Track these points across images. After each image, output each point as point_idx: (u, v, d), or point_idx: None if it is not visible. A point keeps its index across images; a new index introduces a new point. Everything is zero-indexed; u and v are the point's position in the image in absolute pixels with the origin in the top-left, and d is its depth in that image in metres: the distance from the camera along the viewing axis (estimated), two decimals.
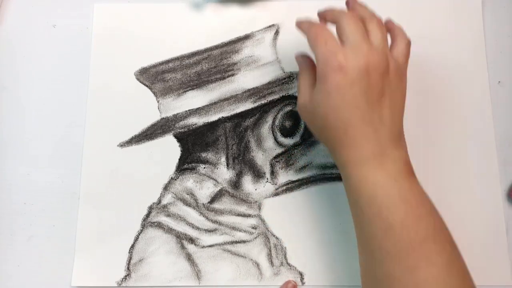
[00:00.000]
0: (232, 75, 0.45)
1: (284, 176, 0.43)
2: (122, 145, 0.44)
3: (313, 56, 0.35)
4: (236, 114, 0.44)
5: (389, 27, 0.38)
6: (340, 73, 0.32)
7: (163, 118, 0.44)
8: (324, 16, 0.37)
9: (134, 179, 0.43)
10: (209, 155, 0.44)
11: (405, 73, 0.36)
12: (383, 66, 0.33)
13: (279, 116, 0.44)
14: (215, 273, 0.41)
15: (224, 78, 0.45)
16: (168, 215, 0.42)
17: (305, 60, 0.38)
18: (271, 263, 0.41)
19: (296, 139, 0.44)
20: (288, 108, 0.44)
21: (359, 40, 0.33)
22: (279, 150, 0.44)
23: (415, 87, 0.45)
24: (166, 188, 0.43)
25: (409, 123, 0.44)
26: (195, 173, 0.43)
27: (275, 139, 0.44)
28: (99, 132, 0.44)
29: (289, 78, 0.45)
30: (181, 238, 0.42)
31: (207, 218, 0.42)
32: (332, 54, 0.33)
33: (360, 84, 0.32)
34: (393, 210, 0.32)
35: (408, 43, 0.36)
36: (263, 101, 0.44)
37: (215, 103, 0.44)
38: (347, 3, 0.38)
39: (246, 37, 0.46)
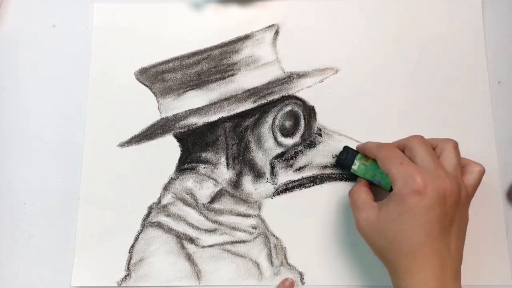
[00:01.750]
0: (232, 75, 0.45)
1: (284, 176, 0.43)
2: (122, 145, 0.44)
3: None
4: (236, 114, 0.44)
5: (465, 163, 0.38)
6: (418, 195, 0.32)
7: (163, 118, 0.44)
8: (393, 144, 0.38)
9: (134, 179, 0.43)
10: (209, 155, 0.44)
11: (469, 204, 0.36)
12: (458, 194, 0.33)
13: (279, 116, 0.44)
14: (215, 273, 0.41)
15: (224, 78, 0.45)
16: (168, 215, 0.42)
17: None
18: (271, 263, 0.41)
19: (296, 139, 0.44)
20: (288, 108, 0.44)
21: (435, 165, 0.34)
22: (279, 150, 0.44)
23: (415, 87, 0.45)
24: (166, 188, 0.43)
25: (409, 123, 0.44)
26: (195, 173, 0.43)
27: (275, 139, 0.44)
28: (99, 132, 0.44)
29: (289, 78, 0.45)
30: (181, 238, 0.42)
31: (207, 218, 0.42)
32: (411, 175, 0.33)
33: (436, 210, 0.32)
34: None
35: (482, 172, 0.37)
36: (263, 101, 0.44)
37: (215, 103, 0.44)
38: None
39: (246, 37, 0.46)
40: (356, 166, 0.40)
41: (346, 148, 0.42)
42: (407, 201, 0.32)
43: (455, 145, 0.36)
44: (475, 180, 0.36)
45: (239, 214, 0.42)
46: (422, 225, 0.32)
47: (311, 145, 0.43)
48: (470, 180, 0.36)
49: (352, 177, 0.43)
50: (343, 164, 0.41)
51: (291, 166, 0.43)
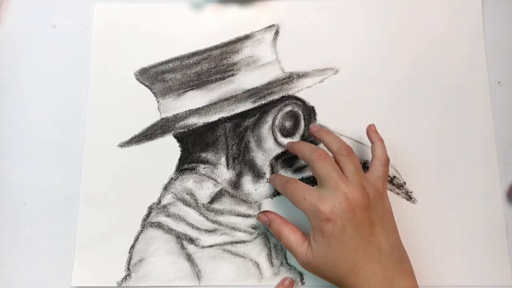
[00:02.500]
0: (232, 75, 0.45)
1: None
2: (122, 145, 0.44)
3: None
4: (236, 114, 0.44)
5: (370, 138, 0.40)
6: (328, 222, 0.34)
7: (163, 118, 0.44)
8: (294, 151, 0.39)
9: (134, 179, 0.43)
10: (209, 155, 0.44)
11: (384, 194, 0.37)
12: (364, 199, 0.34)
13: (279, 116, 0.44)
14: (215, 273, 0.41)
15: (224, 78, 0.45)
16: (168, 215, 0.42)
17: (276, 219, 0.39)
18: (271, 263, 0.41)
19: (296, 139, 0.44)
20: (288, 108, 0.44)
21: (335, 182, 0.35)
22: (279, 150, 0.44)
23: (415, 87, 0.45)
24: (166, 188, 0.43)
25: (409, 123, 0.44)
26: (195, 173, 0.43)
27: (275, 139, 0.44)
28: (99, 132, 0.44)
29: (289, 78, 0.45)
30: (181, 238, 0.42)
31: (207, 218, 0.42)
32: (315, 208, 0.34)
33: (351, 226, 0.34)
34: None
35: (385, 162, 0.38)
36: (263, 101, 0.44)
37: (215, 103, 0.44)
38: (312, 134, 0.40)
39: (246, 37, 0.46)
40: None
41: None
42: (324, 230, 0.34)
43: (348, 150, 0.37)
44: (379, 173, 0.37)
45: (239, 214, 0.42)
46: (347, 245, 0.34)
47: None
48: (375, 176, 0.37)
49: None
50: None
51: (291, 166, 0.43)
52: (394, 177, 0.43)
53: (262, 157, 0.43)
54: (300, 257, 0.36)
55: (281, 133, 0.44)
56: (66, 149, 0.44)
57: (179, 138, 0.44)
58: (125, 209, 0.43)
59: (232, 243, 0.42)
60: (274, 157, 0.43)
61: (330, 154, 0.38)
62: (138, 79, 0.45)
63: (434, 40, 0.46)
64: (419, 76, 0.45)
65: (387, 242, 0.35)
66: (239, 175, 0.43)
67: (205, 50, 0.45)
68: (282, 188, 0.38)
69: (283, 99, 0.44)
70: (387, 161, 0.38)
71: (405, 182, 0.43)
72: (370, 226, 0.34)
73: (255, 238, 0.42)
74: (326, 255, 0.35)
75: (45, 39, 0.46)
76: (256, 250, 0.42)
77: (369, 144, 0.43)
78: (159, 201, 0.43)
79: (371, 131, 0.40)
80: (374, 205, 0.35)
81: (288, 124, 0.44)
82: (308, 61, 0.45)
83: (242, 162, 0.43)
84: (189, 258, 0.42)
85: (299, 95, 0.44)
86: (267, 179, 0.43)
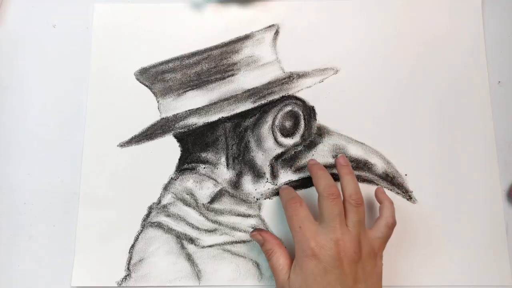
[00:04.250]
0: (232, 75, 0.45)
1: (284, 176, 0.43)
2: (122, 145, 0.44)
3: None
4: (236, 114, 0.44)
5: (379, 199, 0.39)
6: (313, 259, 0.34)
7: (163, 118, 0.44)
8: (311, 173, 0.39)
9: (134, 179, 0.43)
10: (209, 155, 0.44)
11: (379, 256, 0.37)
12: (355, 254, 0.34)
13: (279, 116, 0.44)
14: (215, 273, 0.41)
15: (224, 78, 0.45)
16: (168, 215, 0.42)
17: (270, 240, 0.39)
18: None
19: (296, 139, 0.44)
20: (288, 108, 0.44)
21: (334, 226, 0.35)
22: (279, 150, 0.44)
23: (415, 87, 0.45)
24: (166, 188, 0.43)
25: (409, 123, 0.44)
26: (195, 173, 0.43)
27: (275, 139, 0.44)
28: (99, 132, 0.44)
29: (289, 78, 0.45)
30: (181, 238, 0.42)
31: (207, 218, 0.42)
32: (306, 241, 0.34)
33: (333, 272, 0.33)
34: None
35: (390, 225, 0.37)
36: (263, 101, 0.44)
37: (215, 103, 0.44)
38: (335, 164, 0.40)
39: (246, 37, 0.46)
40: None
41: None
42: (306, 266, 0.34)
43: (358, 199, 0.37)
44: (382, 234, 0.37)
45: (239, 214, 0.42)
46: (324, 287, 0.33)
47: (311, 145, 0.43)
48: (376, 235, 0.37)
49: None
50: None
51: (291, 166, 0.43)
52: (394, 176, 0.43)
53: (262, 157, 0.43)
54: (278, 282, 0.36)
55: (281, 133, 0.44)
56: (66, 149, 0.44)
57: (179, 138, 0.44)
58: (125, 209, 0.42)
59: (232, 243, 0.42)
60: (274, 157, 0.43)
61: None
62: (138, 79, 0.45)
63: (434, 40, 0.46)
64: (419, 76, 0.45)
65: None
66: (239, 175, 0.43)
67: (205, 50, 0.45)
68: (285, 204, 0.38)
69: (283, 99, 0.44)
70: (393, 224, 0.38)
71: (404, 182, 0.43)
72: (354, 281, 0.34)
73: None
74: None
75: (45, 39, 0.46)
76: (256, 250, 0.42)
77: (370, 144, 0.43)
78: (159, 201, 0.43)
79: (379, 192, 0.40)
80: (364, 262, 0.35)
81: (288, 124, 0.44)
82: (308, 61, 0.45)
83: (242, 162, 0.43)
84: (189, 258, 0.42)
85: (299, 95, 0.44)
86: (267, 179, 0.43)
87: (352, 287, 0.34)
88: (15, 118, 0.45)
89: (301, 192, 0.43)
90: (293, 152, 0.43)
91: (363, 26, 0.46)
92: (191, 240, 0.42)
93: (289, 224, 0.37)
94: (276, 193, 0.43)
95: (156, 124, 0.44)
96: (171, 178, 0.43)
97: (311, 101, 0.44)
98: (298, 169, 0.43)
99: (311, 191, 0.43)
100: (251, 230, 0.42)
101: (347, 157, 0.43)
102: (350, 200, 0.37)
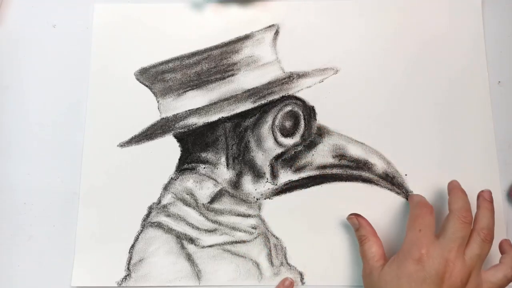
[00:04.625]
0: (232, 75, 0.45)
1: (284, 176, 0.43)
2: (122, 145, 0.44)
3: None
4: (236, 114, 0.44)
5: (503, 250, 0.38)
6: (417, 264, 0.33)
7: (163, 118, 0.44)
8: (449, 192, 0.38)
9: (134, 179, 0.43)
10: (209, 155, 0.44)
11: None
12: (461, 282, 0.33)
13: (279, 116, 0.44)
14: (215, 273, 0.41)
15: (224, 78, 0.45)
16: (168, 215, 0.42)
17: (366, 226, 0.39)
18: (271, 263, 0.41)
19: (296, 139, 0.44)
20: (288, 108, 0.44)
21: (453, 245, 0.34)
22: (279, 150, 0.44)
23: (415, 87, 0.45)
24: (166, 188, 0.43)
25: (409, 123, 0.44)
26: (195, 173, 0.43)
27: (275, 139, 0.44)
28: (99, 132, 0.44)
29: (289, 78, 0.45)
30: (181, 238, 0.42)
31: (207, 218, 0.42)
32: (419, 245, 0.34)
33: (430, 286, 0.33)
34: None
35: (509, 277, 0.35)
36: (263, 101, 0.44)
37: (215, 103, 0.44)
38: (480, 195, 0.39)
39: (246, 37, 0.46)
40: None
41: None
42: (406, 266, 0.34)
43: (487, 236, 0.35)
44: (497, 281, 0.35)
45: (239, 214, 0.42)
46: None
47: (311, 145, 0.43)
48: (491, 278, 0.35)
49: (352, 178, 0.43)
50: None
51: (291, 166, 0.43)
52: (394, 176, 0.43)
53: (262, 157, 0.43)
54: (369, 269, 0.37)
55: (281, 133, 0.44)
56: (66, 149, 0.44)
57: (179, 138, 0.44)
58: (125, 209, 0.42)
59: (232, 243, 0.42)
60: (274, 157, 0.43)
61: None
62: (138, 79, 0.45)
63: (434, 40, 0.46)
64: (419, 76, 0.45)
65: None
66: (239, 175, 0.43)
67: (205, 50, 0.45)
68: (416, 203, 0.37)
69: (283, 99, 0.44)
70: (511, 279, 0.36)
71: (404, 182, 0.43)
72: None
73: (255, 238, 0.42)
74: (390, 284, 0.34)
75: (45, 39, 0.46)
76: (256, 250, 0.42)
77: (370, 144, 0.43)
78: (159, 201, 0.43)
79: (506, 244, 0.38)
80: (455, 277, 0.34)
81: (288, 124, 0.44)
82: (308, 61, 0.45)
83: (242, 162, 0.43)
84: (189, 258, 0.42)
85: (299, 95, 0.44)
86: (267, 179, 0.43)
87: None
88: (15, 118, 0.45)
89: (301, 192, 0.43)
90: (293, 152, 0.43)
91: (363, 26, 0.46)
92: (191, 240, 0.42)
93: (410, 222, 0.36)
94: (276, 193, 0.43)
95: (156, 124, 0.44)
96: (171, 178, 0.43)
97: (311, 101, 0.44)
98: (298, 169, 0.43)
99: (312, 191, 0.43)
100: (251, 230, 0.42)
101: (347, 157, 0.43)
102: (480, 232, 0.36)
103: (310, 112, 0.44)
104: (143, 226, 0.42)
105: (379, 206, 0.42)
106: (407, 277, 0.34)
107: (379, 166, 0.43)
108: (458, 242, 0.35)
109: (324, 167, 0.43)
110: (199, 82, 0.45)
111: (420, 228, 0.35)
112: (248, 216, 0.42)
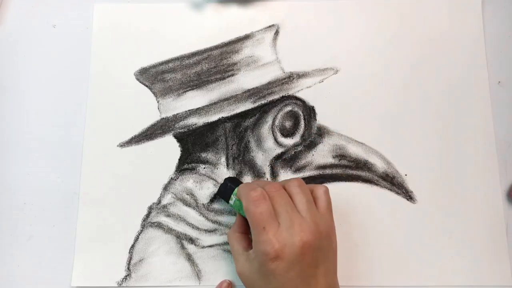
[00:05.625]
0: (232, 75, 0.45)
1: (284, 176, 0.43)
2: (122, 145, 0.44)
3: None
4: (236, 114, 0.44)
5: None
6: (276, 261, 0.33)
7: (163, 118, 0.44)
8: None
9: (134, 179, 0.43)
10: (209, 155, 0.44)
11: (332, 231, 0.36)
12: (316, 238, 0.34)
13: (279, 116, 0.44)
14: (215, 273, 0.41)
15: (224, 78, 0.45)
16: (168, 215, 0.42)
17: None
18: None
19: (296, 139, 0.44)
20: (288, 108, 0.44)
21: (289, 219, 0.34)
22: (279, 150, 0.44)
23: (415, 87, 0.45)
24: (166, 188, 0.43)
25: (409, 123, 0.44)
26: (195, 173, 0.43)
27: (275, 139, 0.44)
28: (99, 132, 0.44)
29: (289, 78, 0.45)
30: (181, 238, 0.42)
31: (207, 218, 0.42)
32: (270, 243, 0.33)
33: (295, 269, 0.33)
34: None
35: (326, 191, 0.37)
36: (263, 101, 0.44)
37: (215, 103, 0.44)
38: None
39: (246, 37, 0.46)
40: (233, 201, 0.39)
41: (226, 180, 0.41)
42: (267, 266, 0.33)
43: (298, 182, 0.36)
44: (324, 203, 0.36)
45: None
46: (284, 284, 0.33)
47: (311, 145, 0.43)
48: (321, 205, 0.36)
49: (352, 178, 0.43)
50: (222, 197, 0.40)
51: (291, 166, 0.43)
52: (394, 176, 0.43)
53: (262, 157, 0.43)
54: (237, 265, 0.36)
55: (281, 133, 0.44)
56: (66, 149, 0.44)
57: (179, 138, 0.44)
58: (125, 209, 0.42)
59: None
60: (274, 157, 0.43)
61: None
62: (138, 79, 0.45)
63: (434, 40, 0.46)
64: (419, 76, 0.45)
65: (325, 282, 0.34)
66: (239, 175, 0.43)
67: (205, 50, 0.45)
68: (246, 204, 0.35)
69: (283, 99, 0.44)
70: (326, 189, 0.37)
71: (404, 182, 0.43)
72: (314, 267, 0.33)
73: None
74: (259, 281, 0.34)
75: (45, 39, 0.46)
76: None
77: (369, 144, 0.43)
78: (159, 201, 0.43)
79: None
80: (323, 243, 0.34)
81: (288, 124, 0.44)
82: (308, 61, 0.45)
83: (242, 162, 0.43)
84: (189, 258, 0.42)
85: (299, 95, 0.44)
86: (267, 179, 0.43)
87: (312, 274, 0.33)
88: (15, 118, 0.45)
89: None
90: (293, 152, 0.43)
91: (363, 26, 0.46)
92: (191, 240, 0.42)
93: (251, 223, 0.35)
94: None
95: (156, 124, 0.44)
96: (171, 178, 0.43)
97: (311, 101, 0.44)
98: (298, 169, 0.43)
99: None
100: None
101: (346, 157, 0.43)
102: (291, 184, 0.36)
103: (310, 112, 0.44)
104: (143, 226, 0.42)
105: (379, 206, 0.42)
106: (271, 274, 0.33)
107: (379, 166, 0.43)
108: (288, 210, 0.34)
109: (324, 167, 0.43)
110: (199, 82, 0.45)
111: (264, 226, 0.34)
112: None
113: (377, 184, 0.43)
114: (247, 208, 0.35)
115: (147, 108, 0.44)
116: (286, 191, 0.36)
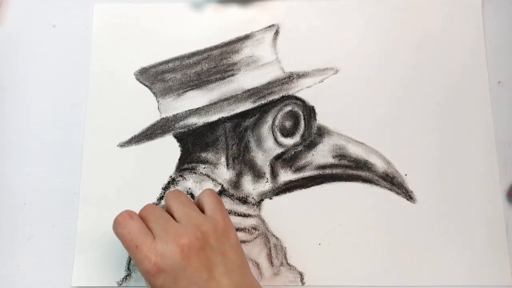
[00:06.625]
0: (232, 75, 0.45)
1: (284, 176, 0.43)
2: (122, 145, 0.44)
3: None
4: (236, 114, 0.44)
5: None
6: (159, 275, 0.31)
7: (163, 118, 0.44)
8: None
9: (134, 179, 0.43)
10: (209, 155, 0.44)
11: (228, 225, 0.35)
12: (199, 238, 0.32)
13: (279, 116, 0.44)
14: None
15: (224, 78, 0.45)
16: None
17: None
18: (271, 263, 0.41)
19: (296, 139, 0.44)
20: (288, 108, 0.44)
21: (163, 229, 0.33)
22: (279, 150, 0.44)
23: (415, 87, 0.45)
24: (166, 188, 0.43)
25: (409, 123, 0.44)
26: (195, 173, 0.43)
27: (275, 139, 0.44)
28: (99, 132, 0.44)
29: (289, 78, 0.45)
30: None
31: None
32: (147, 259, 0.31)
33: (183, 275, 0.31)
34: None
35: (210, 193, 0.36)
36: (263, 101, 0.44)
37: (215, 103, 0.44)
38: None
39: (246, 37, 0.46)
40: None
41: None
42: (154, 284, 0.32)
43: (175, 192, 0.36)
44: (211, 204, 0.35)
45: (239, 214, 0.42)
46: None
47: (311, 145, 0.43)
48: (208, 207, 0.35)
49: (352, 178, 0.43)
50: None
51: (291, 166, 0.43)
52: (394, 176, 0.43)
53: (262, 157, 0.43)
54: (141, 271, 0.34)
55: (281, 133, 0.44)
56: (66, 149, 0.44)
57: (179, 138, 0.44)
58: (125, 209, 0.42)
59: None
60: (274, 157, 0.43)
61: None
62: (138, 79, 0.45)
63: (434, 40, 0.46)
64: (419, 76, 0.45)
65: (230, 281, 0.32)
66: (239, 175, 0.43)
67: (205, 50, 0.45)
68: (115, 228, 0.34)
69: (283, 99, 0.44)
70: (211, 191, 0.37)
71: (404, 182, 0.43)
72: (209, 269, 0.32)
73: (255, 238, 0.42)
74: None
75: (45, 39, 0.46)
76: (256, 250, 0.42)
77: (370, 144, 0.43)
78: (159, 201, 0.43)
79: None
80: (213, 243, 0.33)
81: (288, 124, 0.44)
82: (308, 61, 0.45)
83: (242, 162, 0.43)
84: None
85: (299, 95, 0.44)
86: (267, 179, 0.43)
87: (208, 277, 0.31)
88: (15, 118, 0.45)
89: (301, 192, 0.43)
90: (293, 152, 0.43)
91: (363, 26, 0.46)
92: None
93: (125, 245, 0.33)
94: (276, 193, 0.43)
95: (156, 124, 0.44)
96: (171, 178, 0.43)
97: (311, 101, 0.44)
98: (298, 169, 0.43)
99: (312, 191, 0.43)
100: (251, 230, 0.42)
101: (346, 157, 0.43)
102: (166, 199, 0.36)
103: (310, 112, 0.44)
104: None
105: (379, 206, 0.42)
106: None
107: (379, 166, 0.43)
108: (162, 219, 0.33)
109: (324, 167, 0.43)
110: (199, 82, 0.45)
111: (136, 244, 0.32)
112: (248, 216, 0.42)
113: (377, 184, 0.43)
114: (115, 232, 0.34)
115: (147, 108, 0.44)
116: (165, 208, 0.35)
